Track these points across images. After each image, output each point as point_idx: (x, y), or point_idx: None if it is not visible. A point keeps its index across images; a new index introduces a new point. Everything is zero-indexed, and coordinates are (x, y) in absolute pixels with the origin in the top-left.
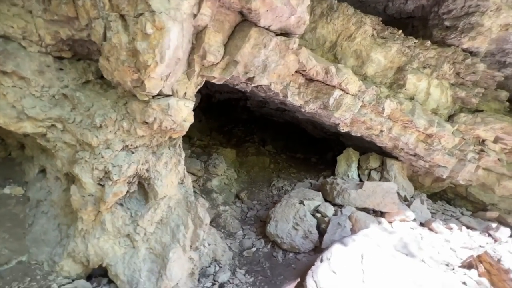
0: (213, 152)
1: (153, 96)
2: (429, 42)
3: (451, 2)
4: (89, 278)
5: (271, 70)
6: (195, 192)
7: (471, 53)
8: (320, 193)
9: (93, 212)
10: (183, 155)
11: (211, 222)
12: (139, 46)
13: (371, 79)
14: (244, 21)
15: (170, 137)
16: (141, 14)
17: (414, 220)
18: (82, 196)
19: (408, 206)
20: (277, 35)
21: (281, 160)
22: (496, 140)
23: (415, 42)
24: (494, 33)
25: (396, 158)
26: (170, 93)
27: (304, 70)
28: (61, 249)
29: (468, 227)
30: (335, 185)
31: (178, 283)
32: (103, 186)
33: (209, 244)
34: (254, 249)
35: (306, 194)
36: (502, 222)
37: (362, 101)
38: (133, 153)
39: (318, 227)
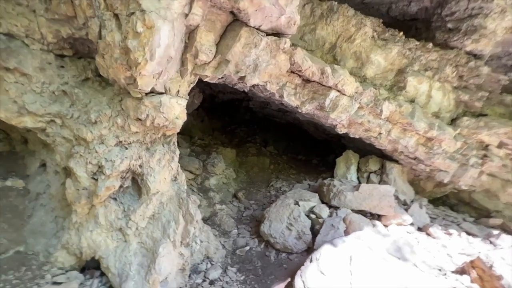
0: (212, 151)
1: (146, 94)
2: (431, 44)
3: (454, 4)
4: (82, 270)
5: (262, 69)
6: (192, 190)
7: (475, 56)
8: (317, 194)
9: (87, 205)
10: (178, 152)
11: (206, 220)
12: (130, 44)
13: (370, 81)
14: (236, 21)
15: (164, 134)
16: (133, 13)
17: (412, 224)
18: (76, 190)
19: (407, 210)
20: (268, 35)
21: (282, 161)
22: (501, 145)
23: (416, 44)
24: (499, 36)
25: (397, 162)
26: (163, 91)
27: (300, 71)
28: (56, 240)
29: (468, 234)
30: (331, 186)
31: (167, 277)
32: (96, 180)
33: (201, 241)
34: (247, 248)
35: (302, 195)
36: (506, 229)
37: (360, 103)
38: (126, 148)
39: (312, 228)
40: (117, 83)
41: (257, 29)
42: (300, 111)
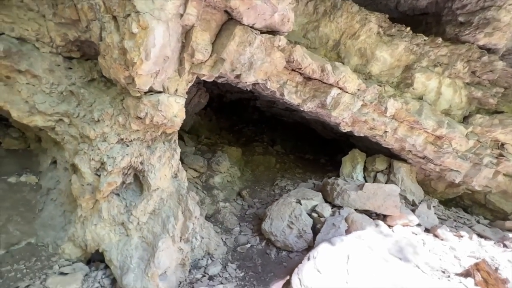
0: (218, 150)
1: (145, 93)
2: (440, 39)
3: None
4: (89, 262)
5: (258, 67)
6: (196, 188)
7: (489, 50)
8: (320, 193)
9: (91, 200)
10: (178, 150)
11: (210, 217)
12: (127, 45)
13: (376, 78)
14: (230, 20)
15: (164, 132)
16: (129, 15)
17: (419, 225)
18: (81, 185)
19: (414, 210)
20: (263, 33)
21: (289, 160)
22: None
23: (424, 40)
24: None
25: (405, 161)
26: (161, 90)
27: (300, 68)
28: (64, 233)
29: (481, 236)
30: (335, 185)
31: (166, 271)
32: (99, 176)
33: (202, 238)
34: (248, 245)
35: (305, 194)
36: None
37: (363, 100)
38: (127, 146)
39: (313, 227)
40: (118, 83)
41: (251, 27)
42: (302, 109)
